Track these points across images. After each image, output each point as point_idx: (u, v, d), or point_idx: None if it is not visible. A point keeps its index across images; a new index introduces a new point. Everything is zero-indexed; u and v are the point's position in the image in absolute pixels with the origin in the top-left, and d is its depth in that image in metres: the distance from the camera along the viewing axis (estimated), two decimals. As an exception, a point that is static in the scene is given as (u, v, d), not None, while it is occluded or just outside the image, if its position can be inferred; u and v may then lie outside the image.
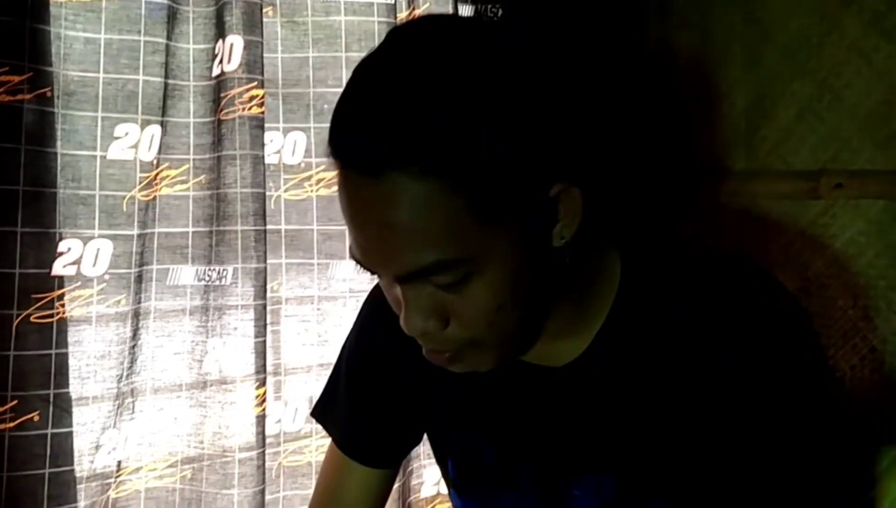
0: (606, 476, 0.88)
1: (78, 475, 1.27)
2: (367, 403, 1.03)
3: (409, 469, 1.56)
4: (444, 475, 1.06)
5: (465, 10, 1.56)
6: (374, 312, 1.01)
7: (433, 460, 1.16)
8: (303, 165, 1.46)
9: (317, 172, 1.46)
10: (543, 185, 0.74)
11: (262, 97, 1.35)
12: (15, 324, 1.20)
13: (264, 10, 1.39)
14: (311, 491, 1.16)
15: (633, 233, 0.96)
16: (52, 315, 1.23)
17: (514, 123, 0.70)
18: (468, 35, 0.73)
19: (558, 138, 0.74)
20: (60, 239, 1.25)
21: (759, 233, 1.59)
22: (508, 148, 0.69)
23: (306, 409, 1.46)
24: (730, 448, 0.84)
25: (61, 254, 1.25)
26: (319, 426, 1.14)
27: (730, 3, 1.65)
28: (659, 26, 1.76)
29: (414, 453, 1.49)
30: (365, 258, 0.73)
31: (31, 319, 1.21)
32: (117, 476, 1.33)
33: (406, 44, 0.72)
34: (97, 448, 1.29)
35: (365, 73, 0.71)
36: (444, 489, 1.58)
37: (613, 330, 0.86)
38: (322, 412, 1.10)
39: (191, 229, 1.37)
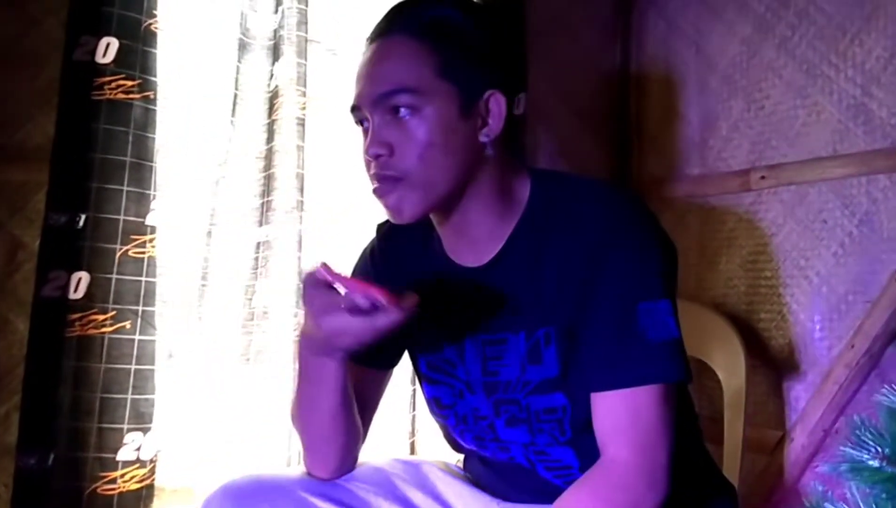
0: (521, 334, 1.10)
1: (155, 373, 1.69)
2: None
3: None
4: (416, 371, 1.28)
5: None
6: (364, 256, 1.30)
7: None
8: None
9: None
10: (484, 79, 1.05)
11: (305, 104, 1.81)
12: (117, 255, 1.65)
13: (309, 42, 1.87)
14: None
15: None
16: (144, 253, 1.69)
17: (480, 33, 1.08)
18: None
19: (508, 65, 1.10)
20: (154, 199, 1.71)
21: (710, 223, 1.94)
22: (472, 42, 1.07)
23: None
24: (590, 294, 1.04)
25: (153, 210, 1.71)
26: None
27: (686, 41, 2.04)
28: (637, 60, 2.16)
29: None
30: (357, 95, 1.05)
31: (130, 253, 1.67)
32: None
33: None
34: (170, 356, 1.72)
35: None
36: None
37: (522, 233, 1.10)
38: None
39: (250, 201, 1.82)
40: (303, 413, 1.16)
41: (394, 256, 1.24)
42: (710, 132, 1.95)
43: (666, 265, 1.04)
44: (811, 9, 1.73)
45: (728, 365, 1.66)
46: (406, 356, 1.30)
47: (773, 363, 1.78)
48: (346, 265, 1.17)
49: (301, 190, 1.80)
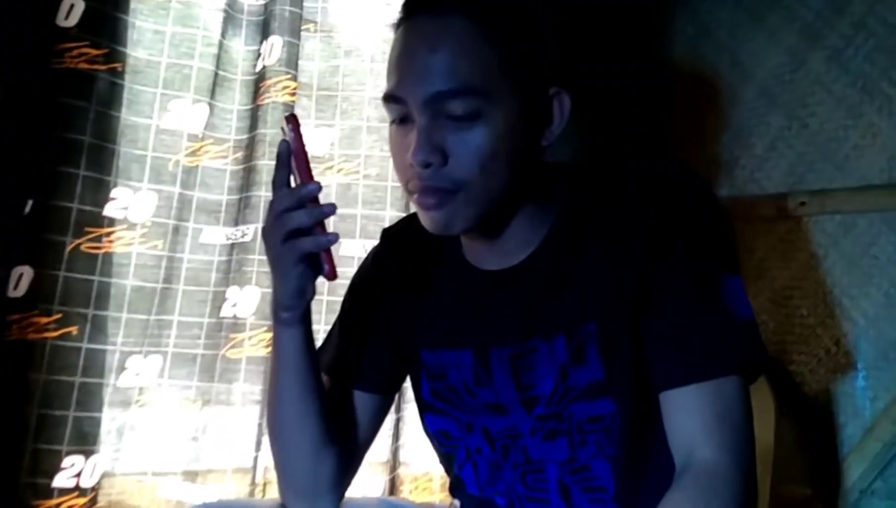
0: (559, 338, 0.98)
1: (104, 388, 1.46)
2: (357, 332, 1.15)
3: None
4: (418, 399, 1.13)
5: None
6: (366, 265, 1.18)
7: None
8: (327, 156, 1.69)
9: (339, 163, 1.69)
10: (550, 75, 0.95)
11: (295, 88, 1.59)
12: (67, 249, 1.43)
13: (305, 27, 1.65)
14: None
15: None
16: (99, 248, 1.46)
17: (544, 17, 0.94)
18: None
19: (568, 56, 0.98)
20: (114, 186, 1.49)
21: (738, 252, 1.75)
22: (541, 31, 0.94)
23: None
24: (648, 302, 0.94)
25: (113, 199, 1.49)
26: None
27: (719, 48, 1.86)
28: (661, 68, 1.97)
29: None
30: (401, 85, 0.91)
31: (82, 247, 1.45)
32: (137, 401, 1.52)
33: None
34: (123, 369, 1.49)
35: None
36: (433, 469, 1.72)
37: (559, 232, 0.99)
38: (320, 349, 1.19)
39: (225, 197, 1.60)
40: (269, 409, 1.07)
41: (403, 261, 1.12)
42: (741, 150, 1.77)
43: (733, 238, 1.02)
44: (870, 19, 1.55)
45: (755, 412, 1.46)
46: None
47: (805, 413, 1.59)
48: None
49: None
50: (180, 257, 1.57)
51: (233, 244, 1.59)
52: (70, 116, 1.44)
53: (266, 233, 0.95)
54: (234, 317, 1.56)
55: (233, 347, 1.55)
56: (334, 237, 0.91)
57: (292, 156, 0.93)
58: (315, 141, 1.69)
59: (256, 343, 1.55)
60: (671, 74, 1.96)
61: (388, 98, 0.93)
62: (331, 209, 0.91)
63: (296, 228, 0.90)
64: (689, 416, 0.90)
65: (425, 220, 0.94)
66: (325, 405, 1.05)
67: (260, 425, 1.54)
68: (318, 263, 0.92)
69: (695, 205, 0.96)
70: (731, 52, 1.82)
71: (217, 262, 1.59)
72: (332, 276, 0.92)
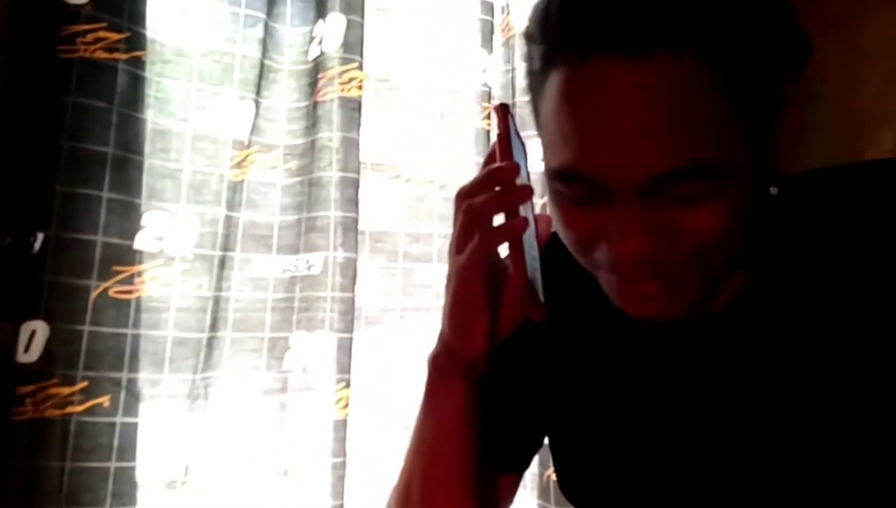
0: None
1: (138, 473, 1.13)
2: (498, 409, 0.91)
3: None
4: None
5: None
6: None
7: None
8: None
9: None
10: (781, 95, 0.65)
11: (362, 80, 1.28)
12: (93, 296, 1.09)
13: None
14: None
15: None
16: (131, 292, 1.13)
17: (784, 36, 0.62)
18: None
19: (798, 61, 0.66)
20: (146, 211, 1.15)
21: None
22: (775, 50, 0.61)
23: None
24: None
25: (144, 228, 1.15)
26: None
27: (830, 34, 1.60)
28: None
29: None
30: (591, 161, 0.61)
31: (110, 292, 1.11)
32: (183, 482, 1.19)
33: None
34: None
35: None
36: None
37: (764, 277, 0.73)
38: None
39: (278, 218, 1.28)
40: (406, 484, 0.80)
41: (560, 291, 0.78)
42: (866, 145, 1.53)
43: None
44: None
45: None
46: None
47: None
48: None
49: (356, 204, 1.27)
50: (226, 297, 1.24)
51: (293, 278, 1.26)
52: (87, 120, 1.11)
53: (451, 243, 0.72)
54: (304, 370, 1.24)
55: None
56: (521, 222, 0.66)
57: (496, 146, 0.69)
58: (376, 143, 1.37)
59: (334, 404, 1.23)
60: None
61: (568, 176, 0.63)
62: (525, 191, 0.67)
63: (476, 220, 0.67)
64: None
65: (630, 306, 0.67)
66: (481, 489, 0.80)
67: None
68: (528, 298, 0.67)
69: None
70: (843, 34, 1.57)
71: (275, 301, 1.26)
72: (536, 312, 0.67)
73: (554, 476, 1.44)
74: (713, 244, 0.62)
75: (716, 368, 0.73)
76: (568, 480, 0.86)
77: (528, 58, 0.66)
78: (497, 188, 0.68)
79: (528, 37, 0.64)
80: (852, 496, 0.67)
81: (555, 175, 0.64)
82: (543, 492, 1.44)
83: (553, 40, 0.62)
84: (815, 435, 0.68)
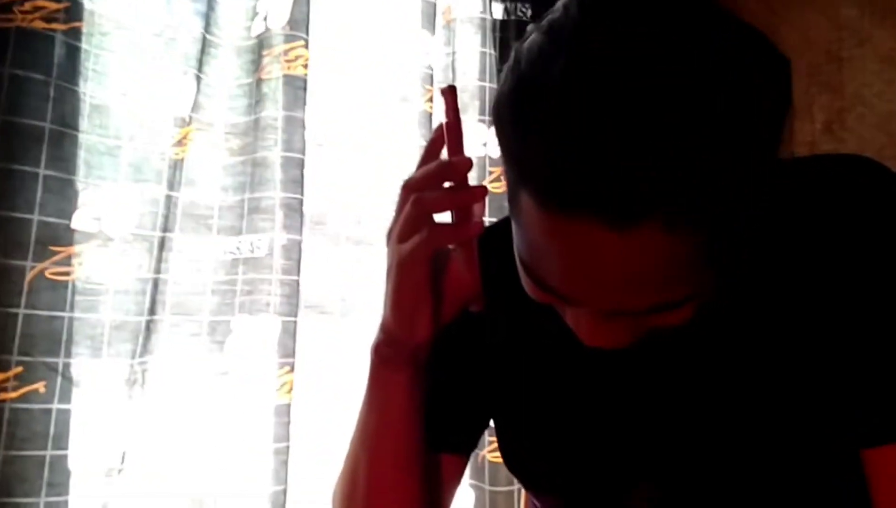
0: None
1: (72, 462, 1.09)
2: (442, 392, 0.90)
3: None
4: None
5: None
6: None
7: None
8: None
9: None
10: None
11: (307, 59, 1.25)
12: (28, 278, 1.04)
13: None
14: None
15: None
16: (68, 274, 1.08)
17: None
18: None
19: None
20: (81, 189, 1.11)
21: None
22: (751, 211, 0.62)
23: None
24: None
25: (80, 208, 1.11)
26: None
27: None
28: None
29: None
30: (571, 291, 0.59)
31: (46, 274, 1.06)
32: (119, 470, 1.15)
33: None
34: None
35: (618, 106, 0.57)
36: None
37: None
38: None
39: (219, 198, 1.24)
40: (351, 469, 0.78)
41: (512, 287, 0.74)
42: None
43: None
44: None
45: None
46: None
47: None
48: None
49: (301, 185, 1.25)
50: (165, 279, 1.20)
51: (235, 260, 1.23)
52: (24, 93, 1.05)
53: (390, 229, 0.69)
54: (247, 354, 1.21)
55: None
56: (476, 227, 0.64)
57: (444, 132, 0.66)
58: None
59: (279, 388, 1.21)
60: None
61: (545, 294, 0.62)
62: (480, 191, 0.65)
63: (424, 214, 0.65)
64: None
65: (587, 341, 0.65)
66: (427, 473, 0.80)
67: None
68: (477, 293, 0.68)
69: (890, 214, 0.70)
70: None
71: (216, 283, 1.23)
72: (479, 303, 0.69)
73: (489, 457, 1.46)
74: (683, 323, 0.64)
75: (663, 347, 0.73)
76: (515, 458, 0.87)
77: (500, 142, 0.59)
78: (448, 184, 0.66)
79: (500, 129, 0.57)
80: (828, 483, 0.70)
81: (527, 272, 0.62)
82: (478, 472, 1.46)
83: (528, 174, 0.56)
84: (773, 419, 0.71)
